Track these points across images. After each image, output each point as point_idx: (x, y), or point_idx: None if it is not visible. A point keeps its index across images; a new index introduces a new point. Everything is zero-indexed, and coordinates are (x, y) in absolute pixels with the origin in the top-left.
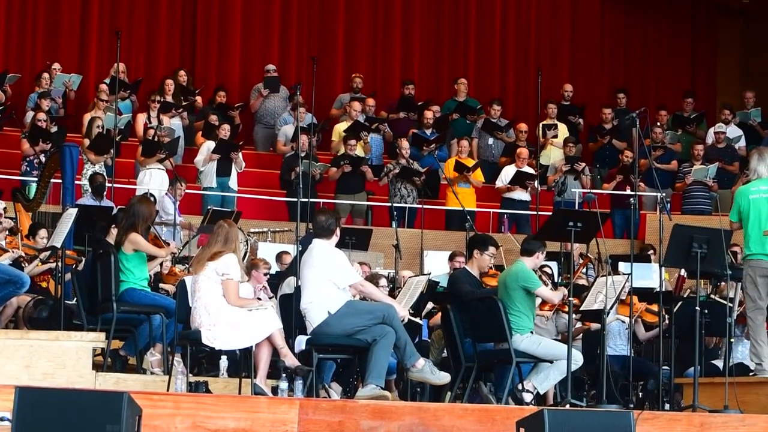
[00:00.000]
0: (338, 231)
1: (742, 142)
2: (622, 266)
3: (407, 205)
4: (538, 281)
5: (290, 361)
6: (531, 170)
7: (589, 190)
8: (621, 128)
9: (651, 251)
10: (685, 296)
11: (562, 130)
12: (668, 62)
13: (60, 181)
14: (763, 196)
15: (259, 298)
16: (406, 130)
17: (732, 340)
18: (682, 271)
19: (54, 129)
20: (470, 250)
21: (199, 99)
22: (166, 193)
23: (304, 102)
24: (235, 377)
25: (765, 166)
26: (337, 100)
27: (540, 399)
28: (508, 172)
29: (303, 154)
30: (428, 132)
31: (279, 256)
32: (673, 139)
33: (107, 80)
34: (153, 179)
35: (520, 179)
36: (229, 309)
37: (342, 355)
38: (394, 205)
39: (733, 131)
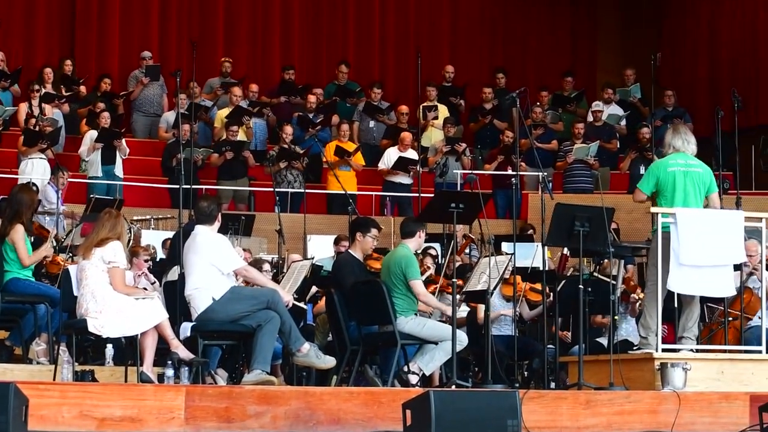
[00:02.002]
0: (220, 217)
1: (625, 120)
2: (505, 246)
3: (290, 190)
4: (416, 272)
5: (183, 353)
6: (414, 154)
7: (470, 171)
8: (501, 108)
9: (531, 230)
10: (568, 275)
11: (443, 112)
12: (548, 42)
13: None
14: (681, 169)
15: (145, 289)
16: (289, 114)
17: (616, 317)
18: (565, 250)
19: None
20: (353, 233)
21: (82, 88)
22: (49, 182)
23: (195, 85)
24: (121, 365)
25: (680, 139)
26: (206, 85)
27: (426, 380)
28: (390, 156)
29: (184, 141)
30: (311, 116)
31: (165, 243)
32: (554, 118)
33: None
34: (35, 168)
35: (402, 164)
36: (115, 296)
37: (227, 341)
38: (277, 190)
39: (614, 109)
